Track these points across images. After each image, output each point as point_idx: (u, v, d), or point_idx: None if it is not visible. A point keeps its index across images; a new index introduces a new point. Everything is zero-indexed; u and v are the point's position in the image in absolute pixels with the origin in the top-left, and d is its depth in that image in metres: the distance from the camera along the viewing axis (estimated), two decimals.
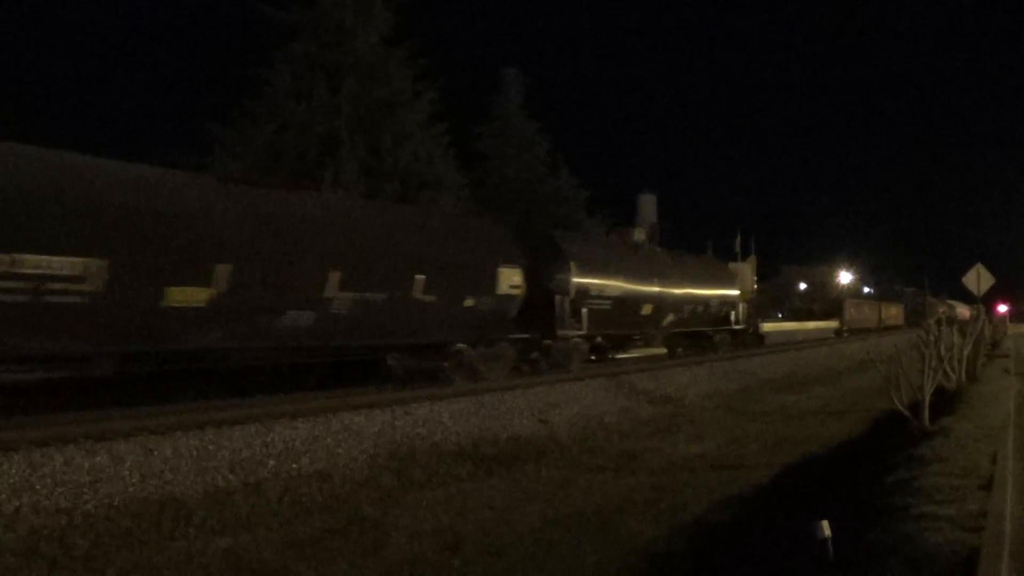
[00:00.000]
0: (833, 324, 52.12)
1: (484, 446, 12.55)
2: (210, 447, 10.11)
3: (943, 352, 15.47)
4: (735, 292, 30.95)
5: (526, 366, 18.88)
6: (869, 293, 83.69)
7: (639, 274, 23.03)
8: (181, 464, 9.59)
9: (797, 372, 28.60)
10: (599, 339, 21.88)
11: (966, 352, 18.18)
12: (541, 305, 18.71)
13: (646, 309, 23.26)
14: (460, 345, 16.65)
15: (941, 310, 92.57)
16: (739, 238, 63.15)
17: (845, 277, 73.72)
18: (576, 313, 19.61)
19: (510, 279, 17.48)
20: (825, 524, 6.31)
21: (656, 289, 23.74)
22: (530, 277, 18.33)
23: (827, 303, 59.44)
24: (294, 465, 10.39)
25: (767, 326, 37.32)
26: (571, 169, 36.70)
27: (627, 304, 22.06)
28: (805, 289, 62.88)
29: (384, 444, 11.72)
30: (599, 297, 20.58)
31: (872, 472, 10.18)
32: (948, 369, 15.86)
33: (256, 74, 25.23)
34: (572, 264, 19.61)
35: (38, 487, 8.35)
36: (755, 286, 60.24)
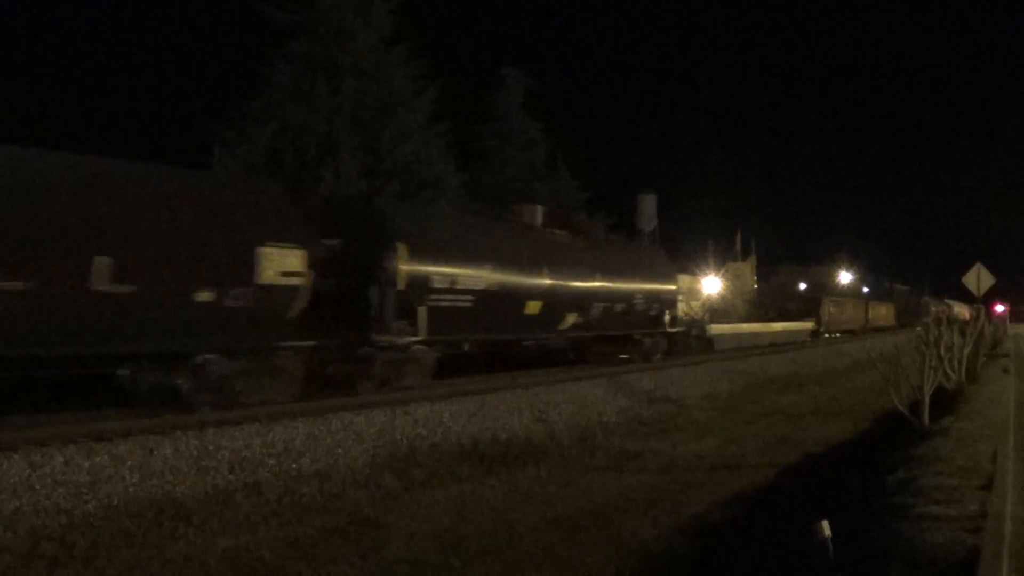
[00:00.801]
0: (808, 325, 45.93)
1: (484, 446, 12.56)
2: (210, 447, 10.11)
3: (943, 352, 15.49)
4: (671, 287, 25.87)
5: (365, 383, 14.59)
6: (867, 293, 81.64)
7: (520, 261, 18.09)
8: (181, 464, 9.59)
9: (797, 372, 28.60)
10: (467, 347, 17.78)
11: (966, 352, 18.21)
12: (355, 300, 14.31)
13: (532, 307, 18.37)
14: (206, 356, 12.13)
15: (937, 309, 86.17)
16: (739, 238, 63.34)
17: (845, 277, 73.66)
18: (410, 312, 14.92)
19: (281, 263, 12.74)
20: (825, 524, 6.31)
21: (547, 281, 18.89)
22: (339, 261, 14.06)
23: (801, 301, 52.39)
24: (294, 465, 10.39)
25: (716, 328, 31.90)
26: (571, 169, 36.68)
27: (500, 300, 17.12)
28: (805, 289, 62.46)
29: (384, 444, 11.72)
30: (451, 291, 15.71)
31: (872, 472, 10.19)
32: (948, 369, 15.88)
33: (256, 74, 25.27)
34: (401, 245, 14.75)
35: (38, 487, 8.35)
36: (755, 286, 60.31)
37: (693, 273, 50.77)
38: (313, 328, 13.52)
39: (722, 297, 46.32)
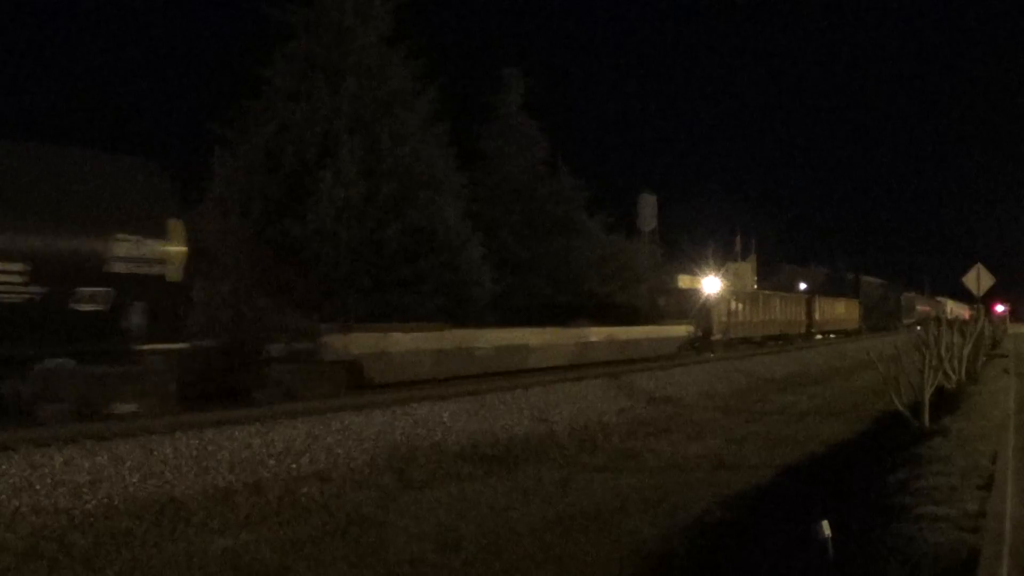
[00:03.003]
0: (678, 330, 28.85)
1: (484, 446, 12.56)
2: (210, 447, 10.11)
3: (943, 352, 15.50)
4: (163, 247, 11.48)
5: None
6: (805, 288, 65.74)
7: None
8: (181, 464, 9.59)
9: (797, 372, 28.61)
10: None
11: (966, 352, 18.20)
12: None
13: None
14: None
15: (922, 308, 78.53)
16: (739, 238, 63.38)
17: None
18: None
19: None
20: (825, 524, 6.31)
21: None
22: None
23: (680, 296, 34.10)
24: (294, 465, 10.39)
25: (363, 340, 15.52)
26: (571, 169, 36.60)
27: None
28: (806, 288, 62.22)
29: (384, 444, 11.72)
30: None
31: (872, 472, 10.19)
32: (948, 369, 15.88)
33: (256, 74, 25.23)
34: None
35: (38, 487, 8.35)
36: (755, 286, 60.31)
37: (693, 273, 50.75)
38: None
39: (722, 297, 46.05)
